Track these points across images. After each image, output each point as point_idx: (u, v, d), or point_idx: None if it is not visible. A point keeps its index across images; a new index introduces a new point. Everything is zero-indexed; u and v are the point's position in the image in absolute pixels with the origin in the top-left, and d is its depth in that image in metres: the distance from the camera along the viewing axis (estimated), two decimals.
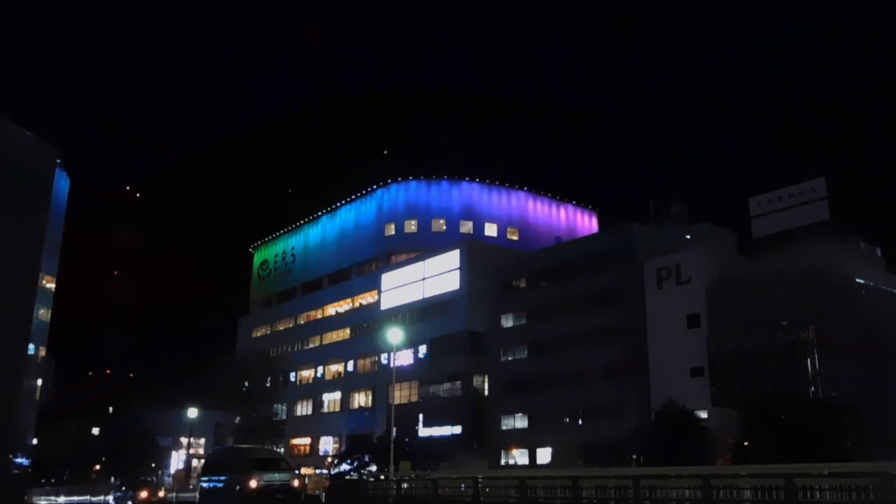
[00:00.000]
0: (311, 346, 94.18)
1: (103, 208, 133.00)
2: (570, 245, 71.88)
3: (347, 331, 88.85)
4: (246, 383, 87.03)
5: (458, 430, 68.03)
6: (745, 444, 41.30)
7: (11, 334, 56.17)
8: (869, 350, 46.75)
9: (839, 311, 47.13)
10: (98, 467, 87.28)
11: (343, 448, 77.78)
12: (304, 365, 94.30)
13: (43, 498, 67.51)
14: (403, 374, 72.39)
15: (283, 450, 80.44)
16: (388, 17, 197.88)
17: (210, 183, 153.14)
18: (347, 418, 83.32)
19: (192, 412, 69.62)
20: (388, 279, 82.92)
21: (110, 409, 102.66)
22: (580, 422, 59.11)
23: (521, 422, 64.52)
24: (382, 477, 44.57)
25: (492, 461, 63.28)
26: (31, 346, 61.29)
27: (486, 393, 68.89)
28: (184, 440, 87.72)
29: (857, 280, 52.45)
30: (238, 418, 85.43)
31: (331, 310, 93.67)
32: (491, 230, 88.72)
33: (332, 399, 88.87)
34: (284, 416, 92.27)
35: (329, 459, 77.11)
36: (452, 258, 75.17)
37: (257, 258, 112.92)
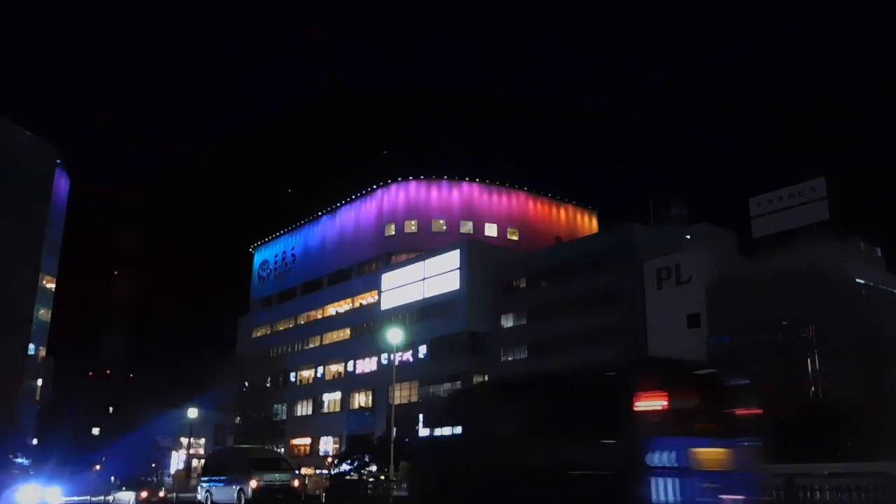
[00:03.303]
0: (311, 346, 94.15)
1: (103, 208, 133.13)
2: (570, 245, 71.81)
3: (347, 331, 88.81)
4: (246, 383, 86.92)
5: (458, 430, 67.84)
6: None
7: (11, 334, 56.32)
8: (869, 350, 46.73)
9: (839, 311, 47.11)
10: (98, 467, 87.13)
11: (343, 448, 77.75)
12: (304, 365, 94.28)
13: None
14: (403, 375, 72.29)
15: (283, 450, 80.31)
16: (388, 17, 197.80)
17: (210, 183, 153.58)
18: (347, 418, 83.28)
19: (192, 412, 69.62)
20: (388, 279, 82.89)
21: (110, 409, 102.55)
22: None
23: None
24: (382, 477, 44.57)
25: None
26: (31, 346, 61.43)
27: None
28: (184, 440, 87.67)
29: (858, 280, 52.43)
30: (238, 418, 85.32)
31: (331, 310, 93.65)
32: (491, 230, 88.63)
33: (332, 399, 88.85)
34: (284, 417, 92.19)
35: (329, 459, 77.07)
36: (452, 258, 75.14)
37: (257, 258, 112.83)
